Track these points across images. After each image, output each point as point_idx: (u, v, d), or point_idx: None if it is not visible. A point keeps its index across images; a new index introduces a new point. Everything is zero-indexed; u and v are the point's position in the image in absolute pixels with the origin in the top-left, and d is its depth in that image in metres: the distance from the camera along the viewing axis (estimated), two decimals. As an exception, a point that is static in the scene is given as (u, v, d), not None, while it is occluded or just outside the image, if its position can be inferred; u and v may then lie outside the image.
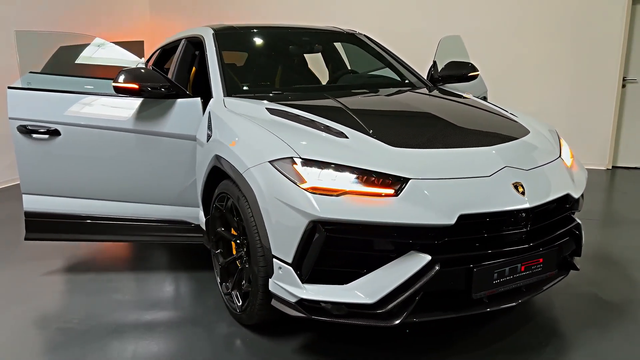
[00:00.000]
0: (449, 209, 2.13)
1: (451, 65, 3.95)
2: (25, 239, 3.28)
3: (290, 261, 2.26)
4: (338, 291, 2.21)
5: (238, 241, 2.77)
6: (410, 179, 2.18)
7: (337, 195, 2.17)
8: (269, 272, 2.38)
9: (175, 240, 3.35)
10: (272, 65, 3.85)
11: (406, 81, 3.80)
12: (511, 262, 2.26)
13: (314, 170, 2.24)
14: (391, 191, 2.17)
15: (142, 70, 3.07)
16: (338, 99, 3.04)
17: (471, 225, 2.18)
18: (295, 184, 2.23)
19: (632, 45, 6.38)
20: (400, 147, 2.35)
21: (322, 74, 4.32)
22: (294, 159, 2.29)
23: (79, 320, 2.86)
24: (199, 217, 3.25)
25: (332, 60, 4.43)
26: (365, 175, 2.21)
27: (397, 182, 2.18)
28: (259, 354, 2.51)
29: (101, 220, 3.25)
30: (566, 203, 2.52)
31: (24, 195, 3.22)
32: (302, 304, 2.26)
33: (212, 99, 3.14)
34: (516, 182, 2.29)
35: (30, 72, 4.14)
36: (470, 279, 2.18)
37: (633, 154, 6.62)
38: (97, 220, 3.25)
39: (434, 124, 2.74)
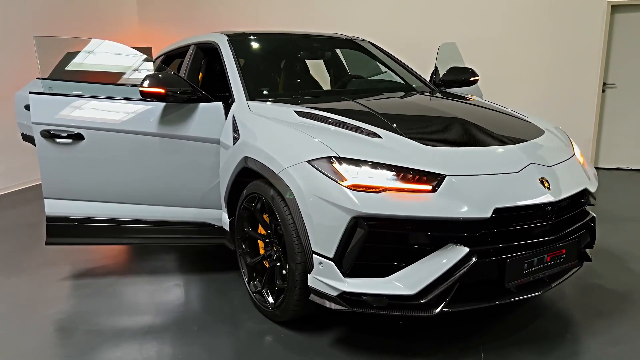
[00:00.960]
0: (484, 203, 2.26)
1: (453, 70, 4.12)
2: (46, 243, 3.28)
3: (331, 256, 2.35)
4: (379, 284, 2.31)
5: (267, 240, 2.85)
6: (446, 175, 2.31)
7: (377, 192, 2.27)
8: (308, 268, 2.46)
9: (197, 242, 3.38)
10: (285, 69, 3.95)
11: (413, 85, 3.95)
12: (539, 252, 2.40)
13: (353, 168, 2.34)
14: (429, 187, 2.29)
15: (168, 75, 3.13)
16: (359, 102, 3.16)
17: (504, 218, 2.31)
18: (336, 182, 2.32)
19: (611, 53, 6.71)
20: (433, 146, 2.47)
21: (323, 79, 4.44)
22: (333, 158, 2.39)
23: (109, 323, 2.89)
24: (222, 218, 3.30)
25: (334, 65, 4.55)
26: (403, 173, 2.32)
27: (433, 179, 2.30)
28: (295, 348, 2.59)
29: (124, 223, 3.28)
30: (582, 197, 2.68)
31: (45, 200, 3.22)
32: (344, 297, 2.35)
33: (234, 103, 3.21)
34: (542, 178, 2.44)
35: (38, 78, 4.15)
36: (504, 270, 2.31)
37: (613, 156, 6.94)
38: (120, 224, 3.27)
39: (457, 124, 2.88)
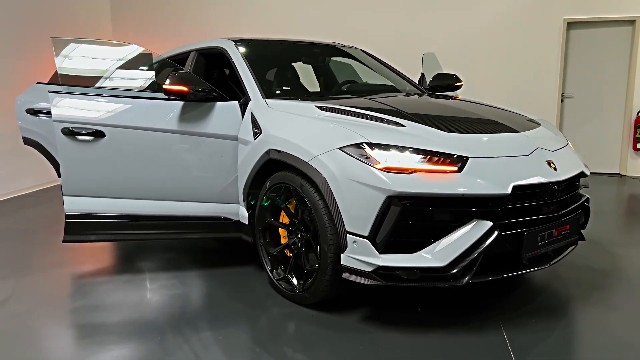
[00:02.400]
0: (504, 181, 2.52)
1: (439, 76, 4.44)
2: (64, 241, 3.31)
3: (366, 234, 2.54)
4: (411, 258, 2.51)
5: (291, 228, 3.00)
6: (469, 157, 2.56)
7: (409, 173, 2.49)
8: (342, 248, 2.63)
9: (214, 236, 3.47)
10: (289, 73, 4.14)
11: (407, 88, 4.23)
12: (549, 227, 2.68)
13: (383, 152, 2.56)
14: (454, 168, 2.53)
15: (189, 75, 3.25)
16: (371, 99, 3.39)
17: (520, 195, 2.57)
18: (370, 165, 2.53)
19: (567, 65, 7.30)
20: (453, 133, 2.72)
21: (311, 84, 4.65)
22: (364, 143, 2.59)
23: (146, 315, 2.93)
24: (239, 212, 3.42)
25: (323, 72, 4.77)
26: (430, 155, 2.55)
27: (458, 160, 2.55)
28: (327, 326, 2.74)
29: (142, 219, 3.34)
30: (577, 180, 3.00)
31: (65, 198, 3.24)
32: (378, 272, 2.53)
33: (250, 102, 3.37)
34: (548, 160, 2.73)
35: (38, 83, 4.16)
36: (521, 242, 2.57)
37: (573, 161, 7.47)
38: (138, 220, 3.33)
39: (465, 115, 3.16)
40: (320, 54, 4.48)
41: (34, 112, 3.98)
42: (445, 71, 4.86)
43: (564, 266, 3.52)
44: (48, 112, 3.87)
